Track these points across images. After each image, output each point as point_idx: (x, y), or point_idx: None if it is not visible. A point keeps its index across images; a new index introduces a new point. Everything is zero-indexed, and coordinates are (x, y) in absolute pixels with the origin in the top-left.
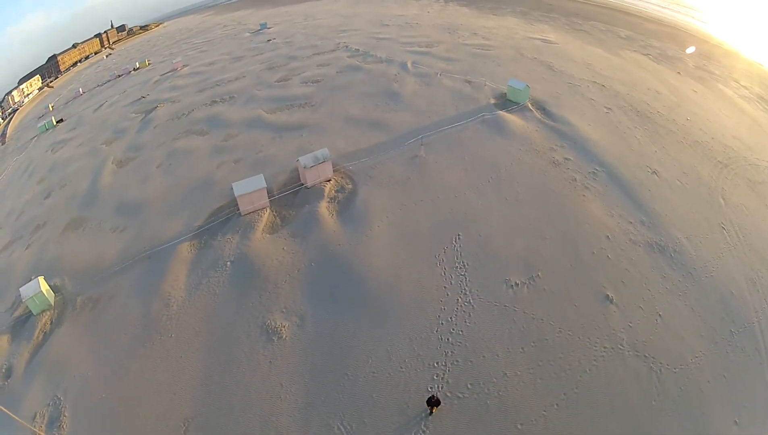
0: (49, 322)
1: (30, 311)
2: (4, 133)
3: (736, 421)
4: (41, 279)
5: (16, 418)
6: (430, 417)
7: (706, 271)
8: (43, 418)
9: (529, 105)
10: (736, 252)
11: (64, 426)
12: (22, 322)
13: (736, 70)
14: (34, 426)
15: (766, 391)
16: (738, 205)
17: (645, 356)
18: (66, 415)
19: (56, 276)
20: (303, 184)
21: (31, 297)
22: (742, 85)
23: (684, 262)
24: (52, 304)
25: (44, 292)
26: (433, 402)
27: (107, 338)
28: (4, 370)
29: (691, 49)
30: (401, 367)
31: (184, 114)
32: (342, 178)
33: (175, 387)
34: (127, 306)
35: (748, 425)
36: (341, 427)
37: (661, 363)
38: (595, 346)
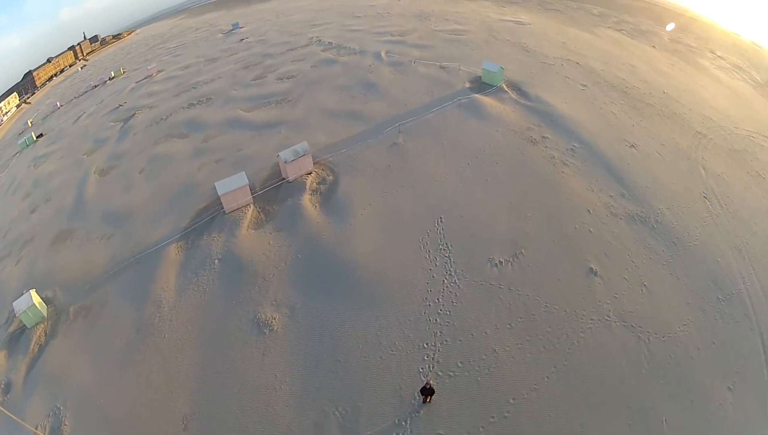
0: (43, 335)
1: (24, 325)
2: None
3: (729, 387)
4: (33, 292)
5: (25, 424)
6: (425, 405)
7: (690, 240)
8: (45, 430)
9: (504, 86)
10: (720, 220)
11: None
12: (17, 337)
13: (713, 41)
14: None
15: (758, 357)
16: (719, 174)
17: (632, 326)
18: (66, 424)
19: (48, 288)
20: (285, 179)
21: (25, 310)
22: (719, 56)
23: (667, 233)
24: (46, 316)
25: (37, 304)
26: (426, 391)
27: (102, 345)
28: (3, 386)
29: (670, 26)
30: (392, 350)
31: (162, 119)
32: (323, 170)
33: (172, 386)
34: (119, 312)
35: (743, 390)
36: (336, 413)
37: (648, 332)
38: (582, 319)
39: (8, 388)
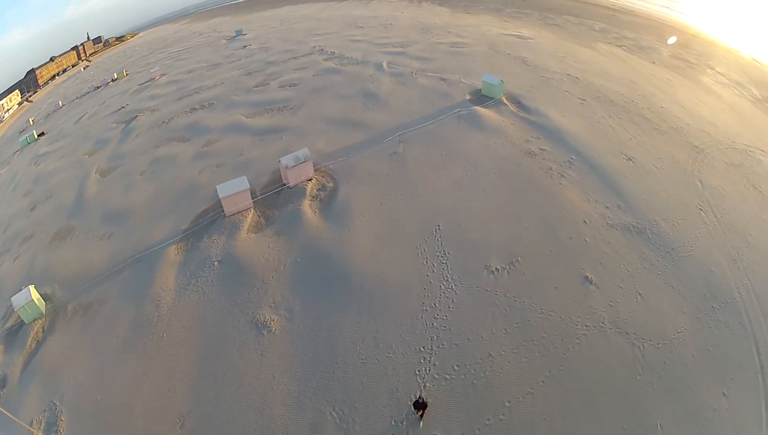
0: (41, 331)
1: (21, 321)
2: None
3: (724, 393)
4: (32, 288)
5: (19, 421)
6: (420, 422)
7: (685, 251)
8: (40, 424)
9: (504, 99)
10: (715, 231)
11: (61, 430)
12: (14, 332)
13: (713, 58)
14: (31, 432)
15: (753, 364)
16: (715, 187)
17: (627, 333)
18: (63, 419)
19: (46, 285)
20: (285, 185)
21: (23, 306)
22: (719, 72)
23: (662, 243)
24: (44, 312)
25: (35, 300)
26: (419, 405)
27: (100, 342)
28: None
29: (672, 40)
30: (389, 353)
31: (164, 122)
32: (323, 177)
33: (169, 385)
34: (117, 310)
35: (737, 397)
36: (333, 413)
37: (643, 339)
38: (577, 325)
39: (4, 382)
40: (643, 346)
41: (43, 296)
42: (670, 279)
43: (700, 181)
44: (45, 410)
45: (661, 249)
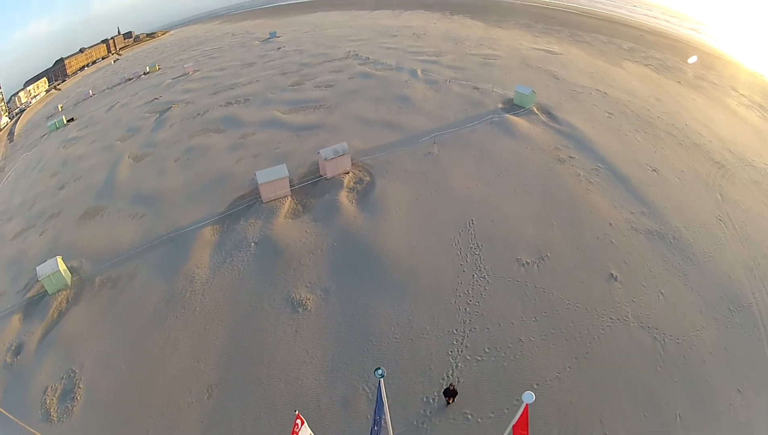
0: (65, 301)
1: (44, 291)
2: (12, 132)
3: (739, 390)
4: (59, 259)
5: (16, 420)
6: (447, 407)
7: (704, 257)
8: (55, 392)
9: (535, 109)
10: (733, 241)
11: (78, 398)
12: (35, 302)
13: (737, 80)
14: (45, 398)
15: (766, 364)
16: (735, 200)
17: (649, 327)
18: (81, 386)
19: (73, 259)
20: (323, 176)
21: (48, 275)
22: (742, 94)
23: (683, 248)
24: (69, 283)
25: (62, 271)
26: (450, 392)
27: (128, 314)
28: (14, 348)
29: (693, 59)
30: (422, 334)
31: (199, 114)
32: (360, 171)
33: (199, 356)
34: (148, 284)
35: (751, 393)
36: (366, 388)
37: (664, 334)
38: (602, 317)
39: (19, 349)
40: (663, 340)
41: (70, 269)
42: (690, 281)
43: (721, 195)
44: (62, 377)
45: (682, 253)
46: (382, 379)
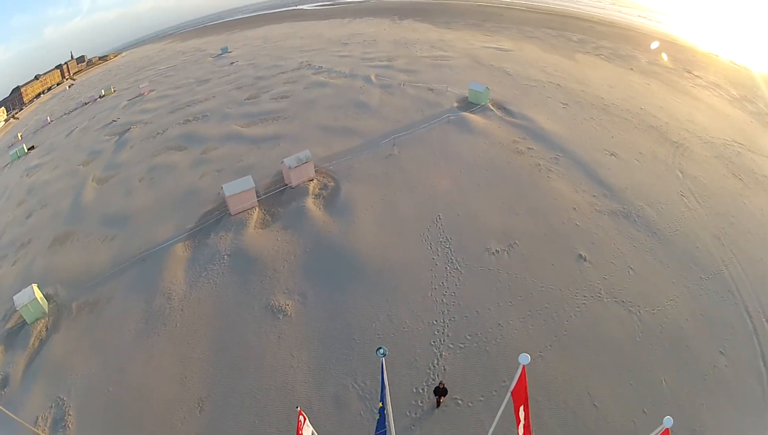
0: (44, 330)
1: (23, 321)
2: None
3: (721, 352)
4: (35, 286)
5: (19, 419)
6: (437, 407)
7: (670, 231)
8: (46, 421)
9: (490, 105)
10: (697, 214)
11: (70, 425)
12: (15, 333)
13: (690, 63)
14: (36, 428)
15: (746, 326)
16: (696, 176)
17: (623, 301)
18: (71, 414)
19: (48, 286)
20: (288, 185)
21: (26, 305)
22: (696, 75)
23: (648, 225)
24: (47, 311)
25: (38, 299)
26: (440, 391)
27: (109, 336)
28: (0, 381)
29: (655, 44)
30: (403, 328)
31: (159, 133)
32: (324, 177)
33: (185, 371)
34: (126, 305)
35: (735, 355)
36: (355, 385)
37: (638, 306)
38: (576, 296)
39: (5, 382)
40: (639, 312)
41: (46, 296)
42: (658, 255)
43: (681, 172)
44: (51, 406)
45: (648, 230)
46: (384, 358)
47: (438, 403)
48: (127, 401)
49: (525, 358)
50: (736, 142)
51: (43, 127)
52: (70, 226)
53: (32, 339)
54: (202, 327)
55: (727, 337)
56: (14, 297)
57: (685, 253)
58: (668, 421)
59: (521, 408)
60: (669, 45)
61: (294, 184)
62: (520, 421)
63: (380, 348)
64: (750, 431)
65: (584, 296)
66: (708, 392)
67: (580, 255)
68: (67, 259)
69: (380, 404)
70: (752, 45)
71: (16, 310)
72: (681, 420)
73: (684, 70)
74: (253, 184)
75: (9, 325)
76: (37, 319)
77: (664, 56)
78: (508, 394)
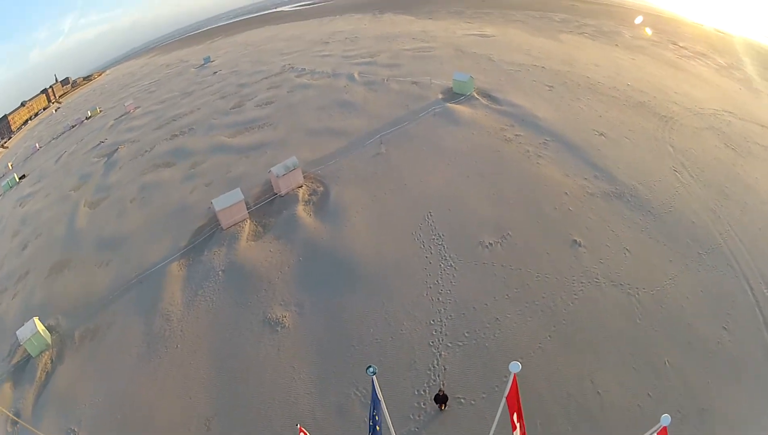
0: (49, 361)
1: (28, 355)
2: None
3: (724, 327)
4: (36, 319)
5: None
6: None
7: (664, 209)
8: None
9: (475, 94)
10: (692, 189)
11: None
12: (21, 367)
13: (675, 34)
14: None
15: (747, 299)
16: (687, 149)
17: (621, 284)
18: None
19: (49, 317)
20: (277, 194)
21: (29, 338)
22: (681, 47)
23: (641, 204)
24: (50, 343)
25: (41, 331)
26: (440, 398)
27: (113, 363)
28: (11, 417)
29: (639, 19)
30: (401, 330)
31: (147, 150)
32: (312, 182)
33: (190, 392)
34: (127, 330)
35: (737, 329)
36: (357, 392)
37: (637, 288)
38: (573, 283)
39: (16, 417)
40: (637, 294)
41: (48, 328)
42: (654, 234)
43: (672, 146)
44: None
45: (642, 209)
46: (374, 377)
47: (441, 410)
48: (135, 427)
49: (515, 366)
50: (726, 111)
51: (32, 154)
52: (65, 253)
53: (38, 372)
54: (202, 346)
55: (730, 312)
56: (17, 332)
57: (682, 230)
58: (665, 419)
59: (515, 414)
60: (653, 18)
61: (283, 192)
62: (515, 427)
63: (370, 367)
64: (757, 402)
65: (581, 283)
66: (714, 369)
67: (575, 240)
68: (65, 288)
69: (370, 422)
70: (736, 11)
71: (20, 345)
72: (688, 400)
73: (669, 42)
74: (242, 197)
75: (15, 360)
76: (41, 352)
77: (648, 31)
78: (503, 399)
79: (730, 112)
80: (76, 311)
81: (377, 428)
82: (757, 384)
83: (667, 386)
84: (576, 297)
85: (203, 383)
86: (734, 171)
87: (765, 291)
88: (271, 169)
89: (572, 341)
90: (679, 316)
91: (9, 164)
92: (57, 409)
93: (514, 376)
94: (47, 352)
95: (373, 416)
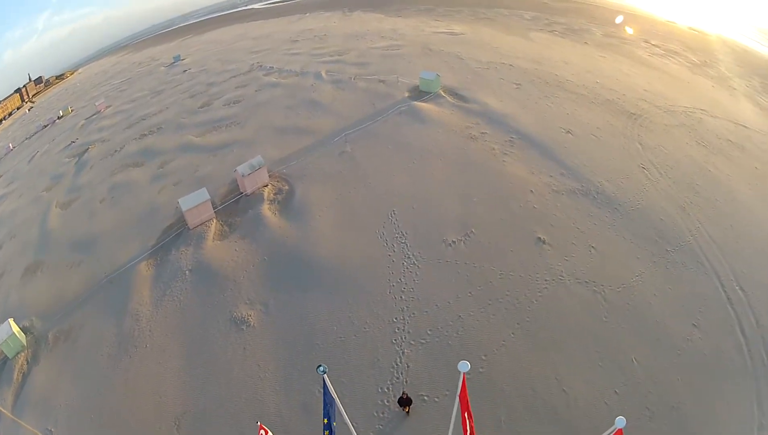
0: (25, 363)
1: (5, 356)
2: None
3: (694, 324)
4: (11, 321)
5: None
6: (407, 415)
7: (632, 206)
8: None
9: (442, 92)
10: (660, 186)
11: None
12: None
13: (647, 32)
14: None
15: (719, 296)
16: (656, 147)
17: (586, 282)
18: None
19: (24, 319)
20: (243, 193)
21: (5, 340)
22: (653, 45)
23: (608, 201)
24: (25, 344)
25: (16, 333)
26: (404, 401)
27: (86, 363)
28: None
29: (619, 18)
30: (364, 328)
31: (116, 150)
32: (278, 181)
33: (160, 390)
34: (98, 330)
35: (709, 326)
36: (321, 390)
37: (602, 285)
38: (537, 281)
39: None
40: (603, 291)
41: (23, 329)
42: (621, 231)
43: (641, 144)
44: None
45: (608, 206)
46: (325, 376)
47: (407, 413)
48: (108, 426)
49: (464, 366)
50: (697, 108)
51: (6, 154)
52: (39, 255)
53: (15, 373)
54: (171, 345)
55: (700, 309)
56: None
57: (649, 227)
58: (620, 422)
59: (465, 413)
60: (628, 16)
61: (249, 191)
62: (466, 426)
63: (320, 366)
64: (730, 399)
65: (545, 280)
66: (683, 366)
67: (539, 238)
68: (39, 289)
69: (325, 420)
70: (710, 9)
71: None
72: (657, 397)
73: (641, 40)
74: (208, 196)
75: None
76: (17, 353)
77: (629, 30)
78: (456, 399)
79: (702, 110)
80: (50, 312)
81: (333, 425)
82: (729, 381)
83: (634, 384)
84: (540, 294)
85: (172, 382)
86: (705, 168)
87: (737, 288)
88: (237, 168)
89: (536, 338)
90: (647, 313)
91: None
92: (34, 410)
93: (464, 376)
94: (23, 354)
95: (328, 415)
